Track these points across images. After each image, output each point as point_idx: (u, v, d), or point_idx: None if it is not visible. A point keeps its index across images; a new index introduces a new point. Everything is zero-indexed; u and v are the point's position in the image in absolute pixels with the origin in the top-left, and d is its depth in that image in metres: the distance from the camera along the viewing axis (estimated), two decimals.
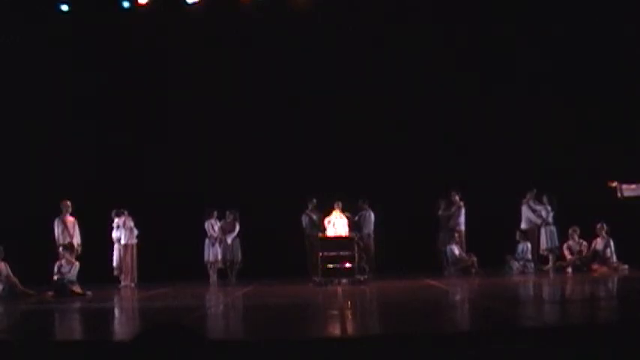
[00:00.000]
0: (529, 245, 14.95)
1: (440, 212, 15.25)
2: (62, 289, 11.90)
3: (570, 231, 14.90)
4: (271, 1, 16.40)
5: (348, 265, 12.99)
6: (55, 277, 12.16)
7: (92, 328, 7.98)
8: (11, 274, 12.10)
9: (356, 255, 13.06)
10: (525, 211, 15.18)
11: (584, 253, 14.76)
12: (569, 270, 14.50)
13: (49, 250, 13.19)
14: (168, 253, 14.97)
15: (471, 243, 14.98)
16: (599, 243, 14.65)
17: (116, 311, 10.05)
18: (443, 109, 16.01)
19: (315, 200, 15.00)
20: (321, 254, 13.01)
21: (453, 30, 15.97)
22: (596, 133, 15.53)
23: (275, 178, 15.78)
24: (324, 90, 16.00)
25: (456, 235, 15.02)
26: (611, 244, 14.55)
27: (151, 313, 9.28)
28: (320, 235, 13.52)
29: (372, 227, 15.11)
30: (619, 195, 14.04)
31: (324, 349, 5.62)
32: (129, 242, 14.62)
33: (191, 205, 15.27)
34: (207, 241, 15.29)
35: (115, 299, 11.87)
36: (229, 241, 15.33)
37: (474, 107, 15.91)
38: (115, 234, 14.70)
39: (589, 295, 9.66)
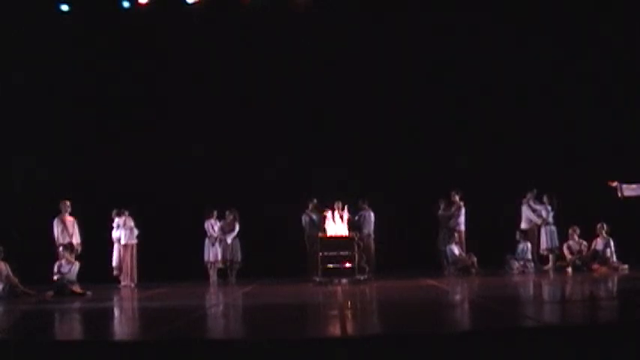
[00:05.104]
0: (529, 245, 14.96)
1: (440, 212, 15.26)
2: (62, 289, 11.91)
3: (570, 231, 14.91)
4: (271, 1, 16.41)
5: (348, 265, 13.00)
6: (55, 277, 12.17)
7: (92, 328, 7.97)
8: (11, 274, 12.10)
9: (356, 255, 13.07)
10: (525, 211, 15.19)
11: (584, 253, 14.77)
12: (569, 270, 14.51)
13: (49, 250, 13.20)
14: (168, 253, 14.98)
15: (471, 243, 14.99)
16: (599, 243, 14.66)
17: (116, 311, 10.05)
18: (443, 109, 16.03)
19: (315, 200, 15.01)
20: (321, 254, 13.02)
21: (454, 30, 15.97)
22: (596, 132, 15.54)
23: (275, 178, 15.80)
24: (325, 90, 16.02)
25: (456, 235, 15.02)
26: (611, 244, 14.57)
27: (150, 313, 9.28)
28: (320, 235, 13.53)
29: (372, 227, 15.11)
30: (619, 195, 14.06)
31: (324, 349, 5.62)
32: (129, 242, 14.62)
33: (191, 205, 15.28)
34: (207, 241, 15.30)
35: (115, 299, 11.86)
36: (229, 241, 15.34)
37: (474, 107, 15.93)
38: (115, 234, 14.70)
39: (589, 295, 9.65)
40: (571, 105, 15.73)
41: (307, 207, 15.11)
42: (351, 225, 13.95)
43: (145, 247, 14.78)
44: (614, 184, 14.09)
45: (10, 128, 15.75)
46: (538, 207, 15.16)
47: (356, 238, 13.35)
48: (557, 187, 14.96)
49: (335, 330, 6.60)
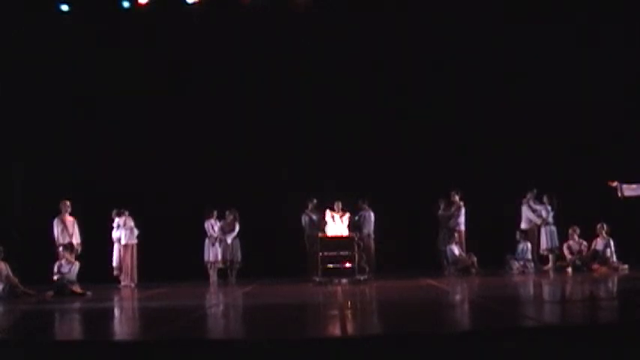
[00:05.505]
0: (529, 245, 14.95)
1: (440, 212, 15.25)
2: (62, 289, 11.90)
3: (570, 231, 14.91)
4: (271, 1, 16.41)
5: (348, 265, 13.00)
6: (55, 277, 12.17)
7: (92, 328, 7.97)
8: (11, 274, 12.09)
9: (356, 255, 13.07)
10: (525, 211, 15.19)
11: (584, 253, 14.77)
12: (569, 270, 14.51)
13: (49, 250, 13.20)
14: (168, 253, 14.97)
15: (471, 243, 14.99)
16: (599, 243, 14.66)
17: (116, 311, 10.05)
18: (443, 109, 16.02)
19: (315, 200, 15.00)
20: (321, 254, 13.02)
21: (453, 30, 15.97)
22: (596, 133, 15.54)
23: (275, 178, 15.80)
24: (325, 90, 16.02)
25: (456, 235, 15.02)
26: (611, 244, 14.57)
27: (150, 313, 9.28)
28: (320, 235, 13.52)
29: (372, 227, 15.11)
30: (619, 195, 14.05)
31: (324, 349, 5.62)
32: (129, 242, 14.61)
33: (191, 205, 15.28)
34: (207, 241, 15.30)
35: (115, 299, 11.86)
36: (229, 241, 15.34)
37: (474, 107, 15.93)
38: (115, 234, 14.70)
39: (589, 295, 9.65)
40: (571, 105, 15.70)
41: (307, 207, 15.11)
42: (351, 225, 13.95)
43: (145, 247, 14.78)
44: (614, 184, 14.08)
45: (11, 128, 15.75)
46: (538, 207, 15.15)
47: (356, 238, 13.35)
48: (557, 187, 14.96)
49: (335, 330, 6.60)
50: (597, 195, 14.24)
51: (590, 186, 14.50)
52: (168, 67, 16.28)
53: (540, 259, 15.22)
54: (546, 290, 11.06)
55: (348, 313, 8.27)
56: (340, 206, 14.11)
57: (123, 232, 14.65)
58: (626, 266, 14.20)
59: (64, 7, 16.31)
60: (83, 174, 15.81)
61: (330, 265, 12.97)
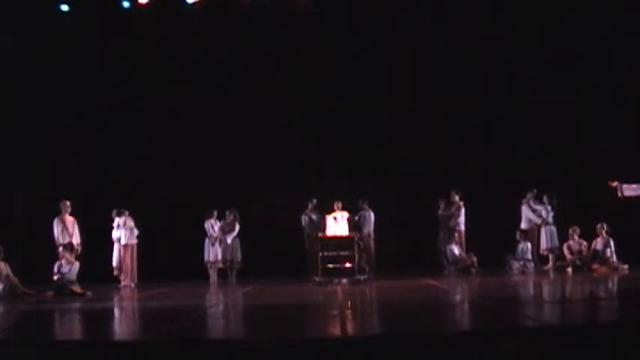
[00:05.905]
0: (529, 245, 14.96)
1: (440, 212, 15.25)
2: (62, 289, 11.90)
3: (570, 231, 14.91)
4: (271, 1, 16.41)
5: (348, 265, 13.00)
6: (55, 277, 12.16)
7: (92, 328, 7.97)
8: (11, 274, 12.09)
9: (356, 255, 13.07)
10: (525, 211, 15.19)
11: (584, 253, 14.77)
12: (569, 270, 14.51)
13: (49, 250, 13.20)
14: (169, 253, 14.97)
15: (471, 243, 14.98)
16: (599, 243, 14.66)
17: (116, 311, 10.05)
18: (443, 108, 16.02)
19: (315, 200, 15.01)
20: (321, 254, 13.02)
21: (453, 29, 15.97)
22: (596, 133, 15.54)
23: (275, 178, 15.79)
24: (325, 90, 16.02)
25: (456, 235, 15.02)
26: (611, 244, 14.57)
27: (150, 313, 9.28)
28: (320, 235, 13.52)
29: (372, 227, 15.11)
30: (619, 195, 14.04)
31: (324, 349, 5.62)
32: (129, 242, 14.62)
33: (191, 205, 15.28)
34: (207, 241, 15.30)
35: (115, 299, 11.86)
36: (229, 241, 15.33)
37: (475, 107, 15.92)
38: (115, 234, 14.70)
39: (589, 295, 9.65)
40: (571, 105, 15.71)
41: (307, 207, 15.11)
42: (351, 225, 13.94)
43: (145, 247, 14.78)
44: (614, 184, 14.07)
45: (10, 128, 15.74)
46: (538, 207, 15.15)
47: (356, 238, 13.35)
48: (557, 187, 14.96)
49: (335, 330, 6.60)
50: (597, 195, 14.24)
51: (590, 186, 14.50)
52: (167, 67, 16.28)
53: (540, 259, 15.22)
54: (546, 290, 11.06)
55: (348, 313, 8.27)
56: (340, 206, 14.11)
57: (123, 232, 14.65)
58: (626, 266, 14.20)
59: (64, 7, 16.31)
60: (83, 174, 15.80)
61: (330, 265, 12.96)
